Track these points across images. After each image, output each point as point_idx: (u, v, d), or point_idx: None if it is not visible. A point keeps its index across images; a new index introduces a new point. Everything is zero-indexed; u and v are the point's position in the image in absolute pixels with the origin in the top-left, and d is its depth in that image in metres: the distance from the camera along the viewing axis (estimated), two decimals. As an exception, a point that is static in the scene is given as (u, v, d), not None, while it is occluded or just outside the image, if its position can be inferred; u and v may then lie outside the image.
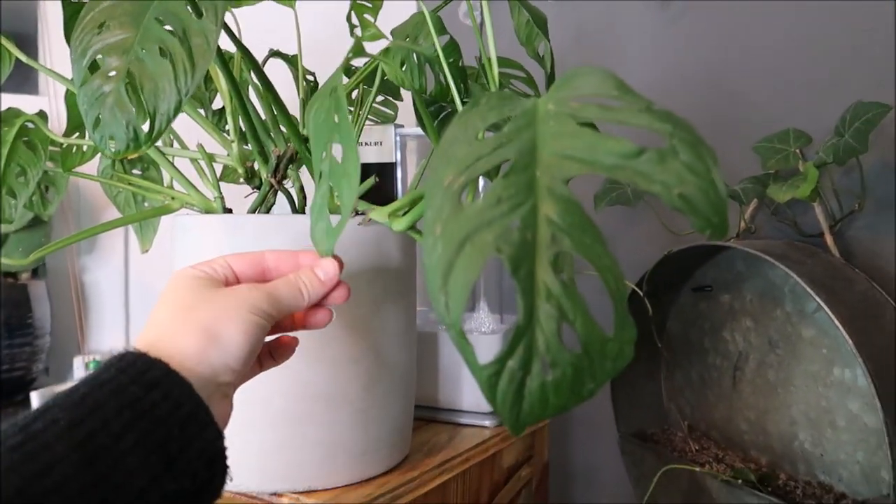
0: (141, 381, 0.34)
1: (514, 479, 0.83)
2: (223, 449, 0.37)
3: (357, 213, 0.62)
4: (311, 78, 0.79)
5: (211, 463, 0.36)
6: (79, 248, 1.29)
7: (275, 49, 0.78)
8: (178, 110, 0.49)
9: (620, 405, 0.85)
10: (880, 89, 0.64)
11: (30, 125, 0.74)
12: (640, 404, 0.85)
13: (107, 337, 1.31)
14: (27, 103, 0.99)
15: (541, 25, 0.70)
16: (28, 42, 1.28)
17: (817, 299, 0.58)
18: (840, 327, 0.56)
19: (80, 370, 1.22)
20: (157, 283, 1.32)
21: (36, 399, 1.05)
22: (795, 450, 0.69)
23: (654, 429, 0.85)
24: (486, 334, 0.81)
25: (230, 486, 0.61)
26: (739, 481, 0.68)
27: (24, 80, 1.29)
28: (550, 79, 0.74)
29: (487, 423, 0.81)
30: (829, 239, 0.66)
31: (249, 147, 0.69)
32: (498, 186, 0.33)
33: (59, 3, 0.64)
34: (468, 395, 0.82)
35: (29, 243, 1.15)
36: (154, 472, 0.32)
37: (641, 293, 0.76)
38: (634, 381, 0.85)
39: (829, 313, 0.57)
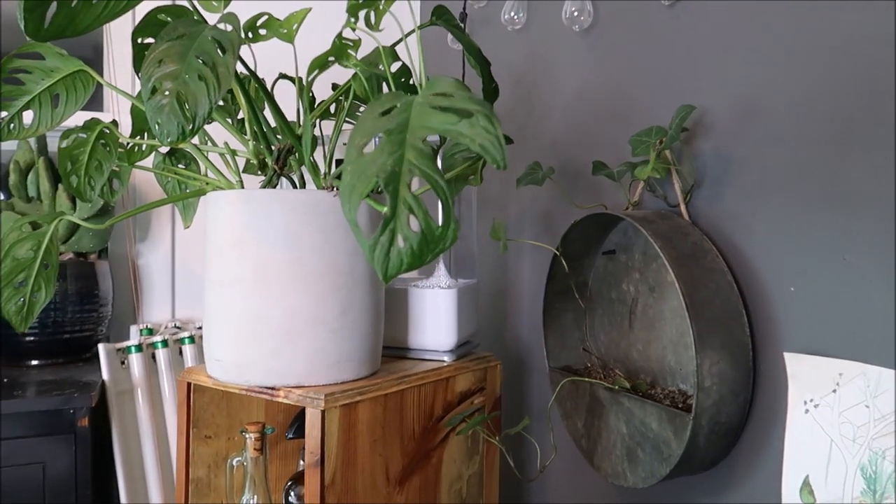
0: None
1: (467, 403, 1.07)
2: None
3: (334, 189, 0.88)
4: (310, 94, 1.05)
5: None
6: (135, 237, 1.58)
7: (283, 72, 1.05)
8: (210, 114, 0.75)
9: (552, 347, 1.08)
10: (724, 93, 0.86)
11: (106, 130, 1.01)
12: (568, 347, 1.08)
13: (157, 309, 1.59)
14: (96, 117, 1.26)
15: (473, 54, 0.95)
16: (92, 65, 1.58)
17: (655, 245, 0.81)
18: (666, 262, 0.79)
19: (135, 336, 1.49)
20: (198, 266, 1.60)
21: (103, 350, 1.33)
22: (666, 367, 0.92)
23: (578, 366, 1.08)
24: (444, 288, 1.05)
25: (241, 380, 0.87)
26: (617, 387, 0.91)
27: (91, 98, 1.59)
28: (485, 91, 0.99)
29: (446, 358, 1.05)
30: (682, 208, 0.89)
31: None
32: (383, 142, 0.58)
33: (122, 37, 0.91)
34: (430, 337, 1.06)
35: (96, 230, 1.43)
36: None
37: (559, 254, 1.00)
38: (564, 329, 1.09)
39: (661, 252, 0.80)
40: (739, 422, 0.80)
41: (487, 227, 1.30)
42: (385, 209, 0.70)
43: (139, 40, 0.91)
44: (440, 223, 0.56)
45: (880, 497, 0.65)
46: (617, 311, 1.01)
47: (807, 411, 0.73)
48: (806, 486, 0.72)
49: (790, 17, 0.77)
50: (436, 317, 1.05)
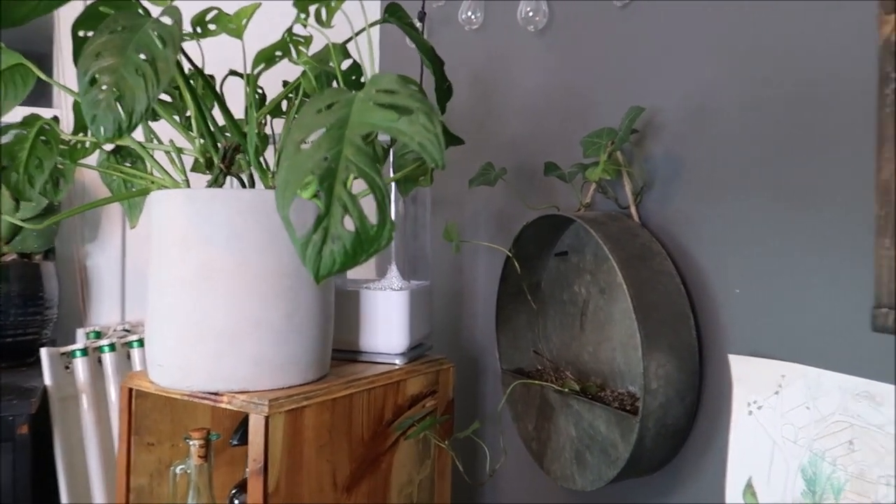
0: None
1: (418, 406, 1.05)
2: None
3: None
4: (260, 91, 1.03)
5: None
6: (83, 237, 1.53)
7: (232, 69, 1.02)
8: (148, 109, 0.73)
9: (504, 349, 1.07)
10: (673, 94, 0.86)
11: (46, 127, 0.98)
12: (520, 349, 1.08)
13: (105, 312, 1.54)
14: (43, 114, 1.23)
15: (426, 53, 0.94)
16: (44, 61, 1.54)
17: (604, 247, 0.81)
18: (615, 264, 0.79)
19: (81, 339, 1.45)
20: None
21: (45, 355, 1.28)
22: (615, 369, 0.92)
23: (530, 369, 1.07)
24: (396, 290, 1.04)
25: (183, 386, 0.84)
26: (567, 390, 0.91)
27: (40, 94, 1.54)
28: (438, 90, 0.98)
29: (398, 361, 1.04)
30: (632, 209, 0.89)
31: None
32: (321, 138, 0.56)
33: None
34: (382, 340, 1.04)
35: (41, 230, 1.39)
36: None
37: (511, 255, 0.99)
38: (516, 331, 1.08)
39: (609, 253, 0.80)
40: (686, 424, 0.80)
41: (440, 227, 1.29)
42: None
43: (80, 33, 0.88)
44: (376, 223, 0.54)
45: (819, 497, 0.66)
46: (568, 313, 1.01)
47: (750, 413, 0.73)
48: (749, 488, 0.73)
49: (737, 22, 0.77)
50: (387, 319, 1.03)
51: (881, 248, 0.57)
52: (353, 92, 0.63)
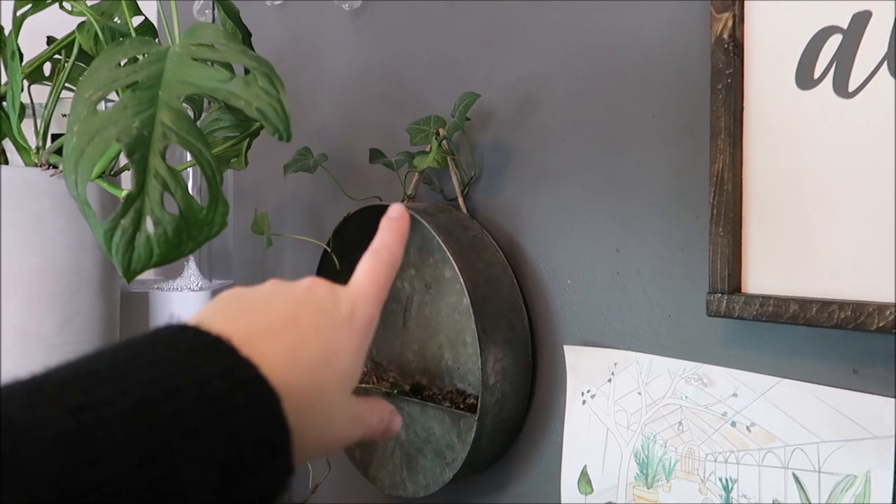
0: (229, 377, 0.28)
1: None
2: (288, 484, 0.30)
3: (51, 166, 0.70)
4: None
5: (267, 497, 0.28)
6: None
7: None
8: None
9: (320, 352, 0.99)
10: (501, 83, 0.84)
11: None
12: (337, 351, 1.00)
13: None
14: None
15: (233, 18, 0.82)
16: None
17: (437, 238, 0.77)
18: (450, 256, 0.76)
19: None
20: None
21: None
22: (443, 367, 0.88)
23: (349, 371, 1.00)
24: (195, 291, 0.91)
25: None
26: (396, 392, 0.86)
27: None
28: (246, 65, 0.87)
29: (198, 372, 0.90)
30: (460, 200, 0.86)
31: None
32: (126, 98, 0.44)
33: None
34: (179, 348, 0.91)
35: None
36: (205, 490, 0.25)
37: (330, 250, 0.91)
38: (333, 332, 1.00)
39: (444, 246, 0.76)
40: (520, 418, 0.80)
41: (242, 220, 1.17)
42: (123, 191, 0.56)
43: None
44: (205, 204, 0.44)
45: (652, 480, 0.68)
46: (391, 310, 0.96)
47: (584, 402, 0.74)
48: (584, 477, 0.73)
49: (566, 13, 0.78)
50: (186, 324, 0.90)
51: (716, 236, 0.60)
52: (164, 45, 0.51)
